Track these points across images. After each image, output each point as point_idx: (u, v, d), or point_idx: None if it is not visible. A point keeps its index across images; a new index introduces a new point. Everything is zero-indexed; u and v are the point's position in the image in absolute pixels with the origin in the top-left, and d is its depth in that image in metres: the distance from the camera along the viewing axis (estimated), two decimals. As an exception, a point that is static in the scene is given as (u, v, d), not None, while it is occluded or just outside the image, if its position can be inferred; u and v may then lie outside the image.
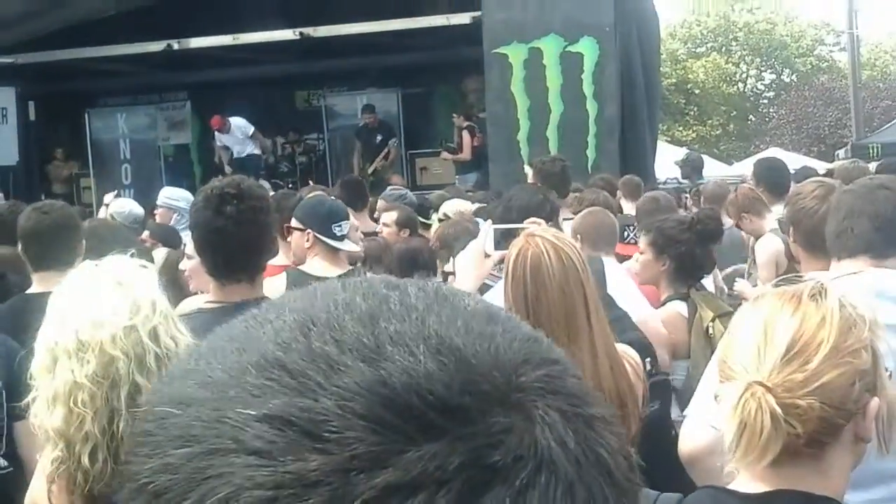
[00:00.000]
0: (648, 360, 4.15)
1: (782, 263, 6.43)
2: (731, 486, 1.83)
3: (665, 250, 5.03)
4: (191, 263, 4.21)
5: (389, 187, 9.26)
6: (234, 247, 3.41)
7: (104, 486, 2.31)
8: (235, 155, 15.89)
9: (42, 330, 2.41)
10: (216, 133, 16.10)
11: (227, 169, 15.24)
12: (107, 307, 2.35)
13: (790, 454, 1.73)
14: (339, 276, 4.26)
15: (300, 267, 4.85)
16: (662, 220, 5.34)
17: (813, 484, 1.78)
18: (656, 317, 4.70)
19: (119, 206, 9.21)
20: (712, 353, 4.46)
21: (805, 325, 1.77)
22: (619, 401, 3.00)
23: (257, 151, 16.09)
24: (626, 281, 4.34)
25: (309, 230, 4.79)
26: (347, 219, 4.99)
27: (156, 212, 9.06)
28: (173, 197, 8.89)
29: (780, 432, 1.68)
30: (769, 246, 6.68)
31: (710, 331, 4.67)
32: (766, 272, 6.56)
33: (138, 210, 9.34)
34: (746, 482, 1.81)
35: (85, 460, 2.30)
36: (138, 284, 2.41)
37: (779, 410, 1.68)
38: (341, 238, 4.84)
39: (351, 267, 4.94)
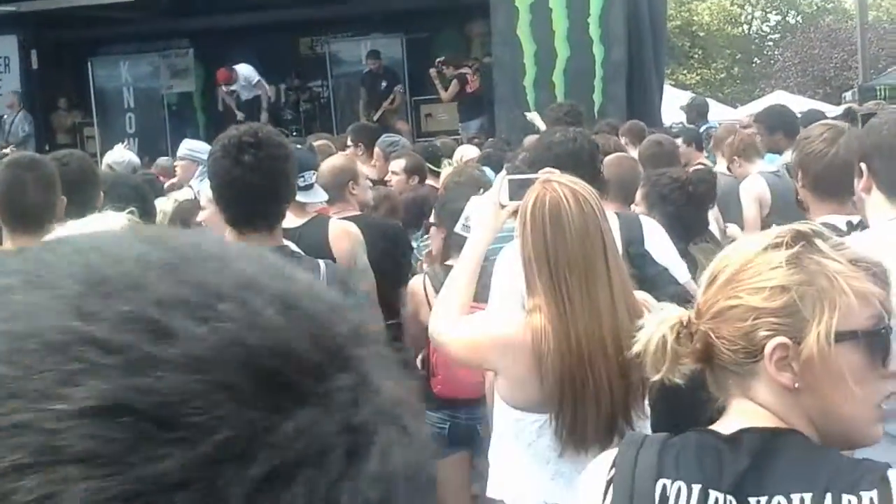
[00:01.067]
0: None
1: (766, 203, 6.73)
2: (714, 426, 1.89)
3: (655, 206, 4.85)
4: (207, 213, 4.20)
5: (384, 135, 9.23)
6: (254, 196, 3.40)
7: None
8: (245, 97, 15.86)
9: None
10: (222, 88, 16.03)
11: (239, 115, 15.21)
12: None
13: (727, 386, 1.87)
14: (297, 227, 4.24)
15: None
16: (659, 175, 5.15)
17: (776, 422, 1.82)
18: (688, 276, 4.43)
19: (118, 155, 9.18)
20: None
21: (732, 258, 1.85)
22: (621, 358, 3.01)
23: (262, 91, 16.04)
24: (664, 238, 4.28)
25: None
26: (312, 169, 4.91)
27: (178, 164, 9.03)
28: (196, 149, 8.84)
29: (668, 353, 1.85)
30: (752, 187, 6.93)
31: None
32: (750, 212, 6.74)
33: (136, 159, 9.33)
34: (727, 422, 1.87)
35: None
36: None
37: (668, 335, 1.85)
38: (305, 189, 4.77)
39: (313, 215, 4.87)
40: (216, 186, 3.52)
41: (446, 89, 15.55)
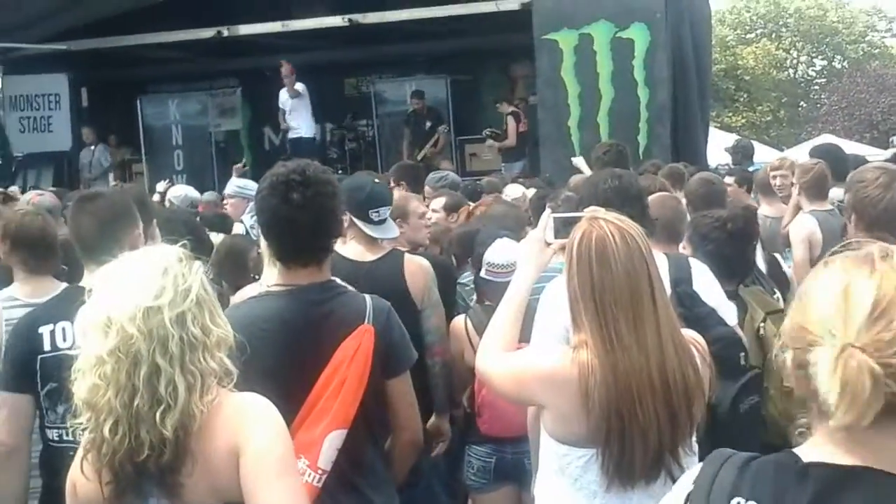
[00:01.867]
0: (742, 354, 4.11)
1: (816, 243, 6.65)
2: (799, 450, 1.82)
3: (697, 247, 4.79)
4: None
5: (432, 172, 9.28)
6: (301, 233, 3.42)
7: (124, 459, 2.40)
8: (291, 130, 15.80)
9: (83, 306, 2.51)
10: (282, 94, 15.92)
11: (284, 124, 15.39)
12: (134, 287, 2.44)
13: (882, 418, 1.70)
14: (373, 261, 4.28)
15: (337, 249, 4.82)
16: (701, 216, 5.09)
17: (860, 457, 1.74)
18: (735, 320, 4.37)
19: (176, 191, 9.39)
20: (765, 355, 4.40)
21: (885, 285, 1.73)
22: (685, 385, 2.99)
23: (310, 135, 15.99)
24: (712, 280, 4.25)
25: (347, 212, 4.77)
26: (388, 204, 4.93)
27: (228, 201, 9.14)
28: (244, 186, 8.98)
29: (879, 391, 1.66)
30: (801, 228, 6.85)
31: (762, 331, 4.54)
32: (798, 253, 6.72)
33: (194, 194, 9.52)
34: (817, 448, 1.79)
35: (106, 431, 2.40)
36: (175, 269, 2.48)
37: (878, 369, 1.66)
38: (379, 223, 4.79)
39: (389, 250, 4.89)
40: (264, 223, 3.54)
41: (506, 132, 15.54)
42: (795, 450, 1.83)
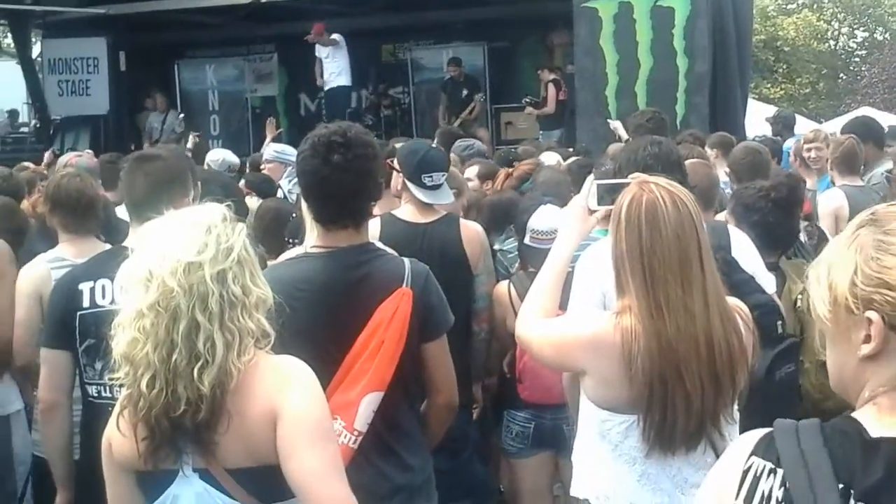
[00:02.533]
0: (780, 322, 4.09)
1: (843, 217, 6.69)
2: (862, 419, 1.75)
3: (741, 218, 4.74)
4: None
5: (458, 140, 9.23)
6: (342, 195, 3.43)
7: (160, 414, 2.41)
8: (326, 79, 15.77)
9: (126, 261, 2.53)
10: (318, 48, 15.83)
11: (319, 80, 15.39)
12: (177, 243, 2.45)
13: None
14: (430, 223, 4.29)
15: (393, 211, 4.86)
16: (744, 188, 5.05)
17: None
18: (773, 287, 4.36)
19: (214, 155, 9.42)
20: (802, 329, 4.36)
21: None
22: (729, 352, 2.98)
23: (347, 83, 15.92)
24: (751, 248, 4.23)
25: (401, 174, 4.78)
26: (443, 170, 4.93)
27: (266, 166, 9.16)
28: (282, 151, 9.01)
29: None
30: (830, 201, 6.93)
31: (798, 303, 4.49)
32: (825, 225, 6.72)
33: (233, 158, 9.54)
34: (885, 418, 1.73)
35: (143, 385, 2.42)
36: (214, 228, 2.49)
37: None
38: (432, 188, 4.80)
39: (444, 213, 4.89)
40: (305, 185, 3.55)
41: (545, 99, 15.45)
42: (857, 416, 1.76)
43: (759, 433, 1.81)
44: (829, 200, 6.91)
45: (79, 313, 3.72)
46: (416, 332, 3.44)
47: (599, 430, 3.09)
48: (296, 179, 7.55)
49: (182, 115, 17.49)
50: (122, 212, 6.18)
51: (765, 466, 1.74)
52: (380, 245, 3.66)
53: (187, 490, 2.48)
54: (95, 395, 3.74)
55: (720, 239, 4.06)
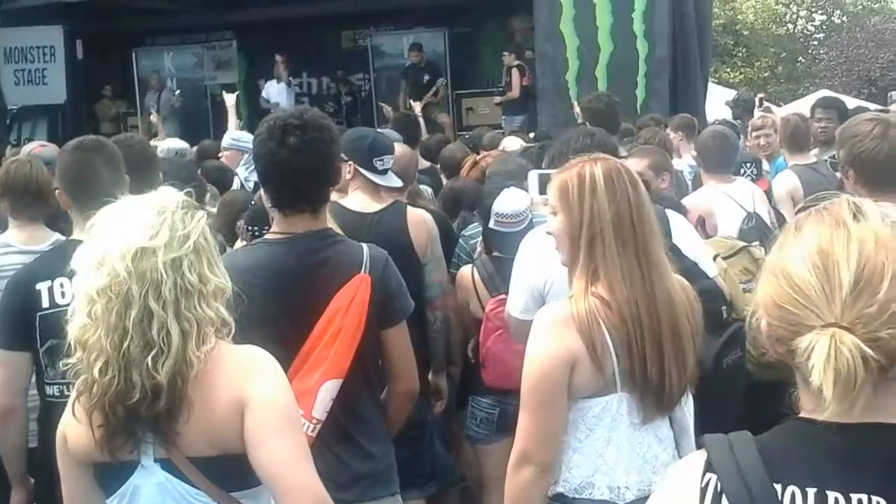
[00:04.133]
0: (724, 307, 4.11)
1: (798, 198, 6.66)
2: (805, 414, 1.74)
3: None
4: None
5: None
6: (298, 178, 3.39)
7: (114, 401, 2.37)
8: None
9: (80, 247, 2.49)
10: (270, 86, 16.31)
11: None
12: (129, 228, 2.41)
13: (874, 385, 1.65)
14: (377, 212, 4.26)
15: (340, 201, 4.80)
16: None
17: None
18: (716, 271, 4.40)
19: (172, 143, 9.32)
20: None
21: (864, 251, 1.67)
22: (688, 324, 3.00)
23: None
24: (689, 229, 4.25)
25: (350, 162, 4.73)
26: (391, 153, 4.90)
27: (223, 154, 9.09)
28: (239, 138, 8.93)
29: (869, 371, 1.62)
30: (784, 183, 6.95)
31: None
32: (785, 209, 6.73)
33: (183, 145, 9.42)
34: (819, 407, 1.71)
35: (95, 372, 2.38)
36: (170, 215, 2.44)
37: (869, 351, 1.61)
38: (383, 172, 4.77)
39: (391, 202, 4.87)
40: (261, 168, 3.52)
41: (509, 84, 15.46)
42: (805, 413, 1.74)
43: (703, 453, 1.78)
44: (783, 183, 6.95)
45: (39, 314, 3.64)
46: (375, 318, 3.42)
47: (573, 422, 3.06)
48: (252, 167, 7.53)
49: (178, 91, 17.38)
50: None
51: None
52: (336, 231, 3.63)
53: (148, 480, 2.45)
54: (57, 394, 3.66)
55: (661, 225, 4.08)
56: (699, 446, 1.82)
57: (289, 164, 3.37)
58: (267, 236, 3.55)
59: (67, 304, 3.49)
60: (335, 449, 3.39)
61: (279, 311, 3.35)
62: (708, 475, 1.74)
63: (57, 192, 3.96)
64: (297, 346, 3.32)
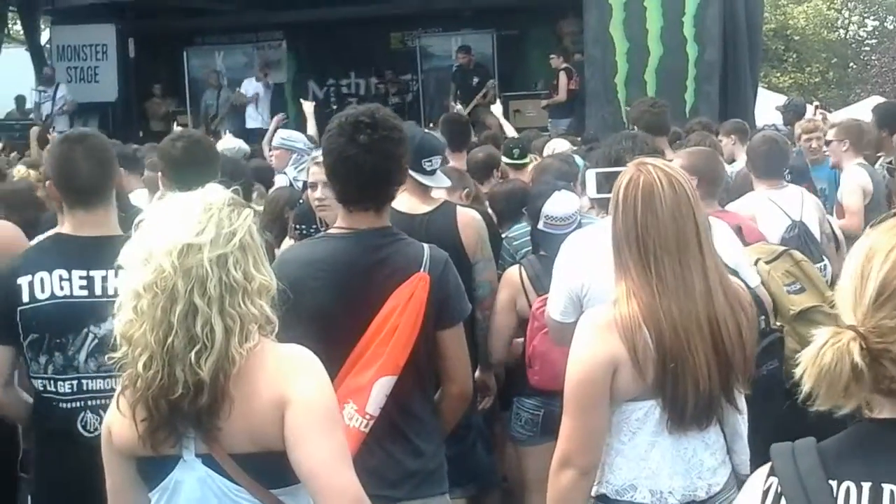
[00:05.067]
0: (763, 317, 4.08)
1: (868, 193, 7.18)
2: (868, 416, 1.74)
3: None
4: (325, 190, 4.23)
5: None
6: (365, 175, 3.40)
7: (157, 395, 2.38)
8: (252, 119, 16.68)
9: (129, 241, 2.49)
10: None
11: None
12: (176, 224, 2.42)
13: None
14: (427, 213, 4.25)
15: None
16: None
17: None
18: (757, 280, 4.42)
19: (227, 142, 9.42)
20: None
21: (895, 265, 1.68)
22: (738, 330, 2.98)
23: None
24: (732, 237, 4.23)
25: None
26: (440, 154, 4.88)
27: (272, 153, 9.14)
28: (290, 138, 8.97)
29: (863, 379, 1.63)
30: (856, 175, 7.30)
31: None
32: (854, 199, 7.15)
33: (245, 147, 9.54)
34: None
35: (139, 366, 2.38)
36: (217, 212, 2.45)
37: (858, 360, 1.62)
38: (431, 173, 4.74)
39: (441, 202, 4.86)
40: (330, 163, 3.51)
41: (556, 87, 15.44)
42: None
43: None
44: (856, 174, 7.16)
45: (19, 308, 3.56)
46: (431, 318, 3.42)
47: (616, 424, 3.06)
48: (302, 166, 7.56)
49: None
50: (135, 198, 6.23)
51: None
52: (398, 230, 3.64)
53: (190, 475, 2.47)
54: (41, 388, 3.60)
55: None
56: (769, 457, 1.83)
57: (357, 161, 3.38)
58: (330, 231, 3.57)
59: (47, 299, 3.52)
60: (387, 445, 3.39)
61: (338, 305, 3.36)
62: (770, 479, 1.76)
63: (46, 183, 3.95)
64: (352, 341, 3.33)
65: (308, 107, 10.76)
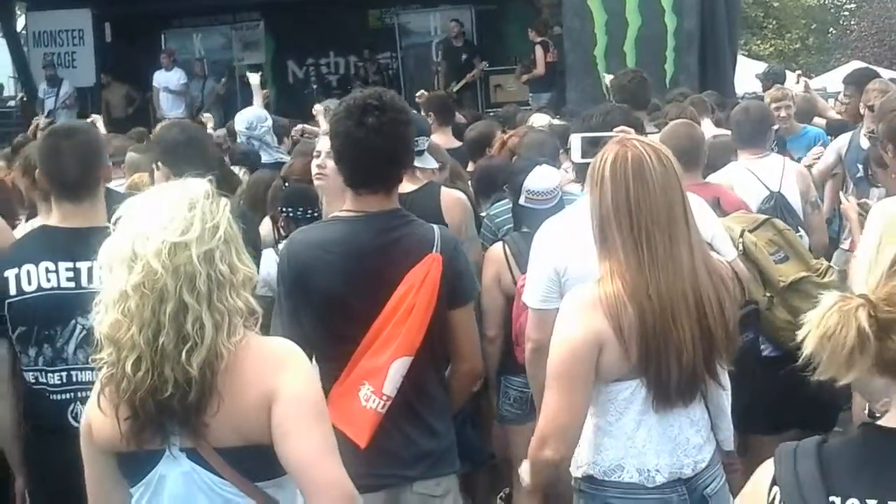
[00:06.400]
0: (736, 289, 4.10)
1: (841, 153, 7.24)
2: (881, 422, 1.72)
3: None
4: (329, 169, 4.21)
5: None
6: (374, 158, 3.42)
7: (145, 396, 2.37)
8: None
9: (107, 239, 2.47)
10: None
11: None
12: (160, 221, 2.40)
13: None
14: (410, 193, 4.26)
15: None
16: None
17: None
18: (734, 253, 4.39)
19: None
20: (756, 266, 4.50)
21: None
22: (720, 305, 2.99)
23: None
24: (706, 209, 4.24)
25: None
26: (427, 135, 4.90)
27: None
28: (255, 133, 8.88)
29: (868, 349, 1.60)
30: (837, 142, 7.42)
31: (740, 246, 4.57)
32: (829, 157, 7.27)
33: (218, 130, 9.46)
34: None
35: (128, 367, 2.37)
36: (199, 206, 2.44)
37: (866, 326, 1.59)
38: (419, 154, 4.76)
39: (425, 182, 4.87)
40: (338, 146, 3.51)
41: (534, 61, 15.38)
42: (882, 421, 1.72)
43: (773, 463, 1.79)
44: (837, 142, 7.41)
45: (7, 301, 3.61)
46: (444, 298, 3.44)
47: (602, 404, 3.07)
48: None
49: (224, 80, 17.44)
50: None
51: None
52: (407, 212, 3.64)
53: (174, 470, 2.47)
54: (33, 381, 3.64)
55: None
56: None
57: (366, 143, 3.39)
58: (339, 213, 3.57)
59: (34, 291, 3.55)
60: (403, 426, 3.42)
61: (350, 287, 3.38)
62: (774, 489, 1.75)
63: (37, 174, 3.95)
64: (364, 323, 3.35)
65: (254, 78, 10.79)
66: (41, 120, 11.47)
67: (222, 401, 2.39)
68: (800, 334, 1.65)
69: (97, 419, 2.50)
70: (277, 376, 2.44)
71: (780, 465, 1.74)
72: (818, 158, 7.44)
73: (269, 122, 9.08)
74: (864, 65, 21.34)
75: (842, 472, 1.67)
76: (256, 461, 2.45)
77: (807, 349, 1.64)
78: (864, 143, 6.94)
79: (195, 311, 2.37)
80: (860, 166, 6.79)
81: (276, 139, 9.14)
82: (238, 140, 9.15)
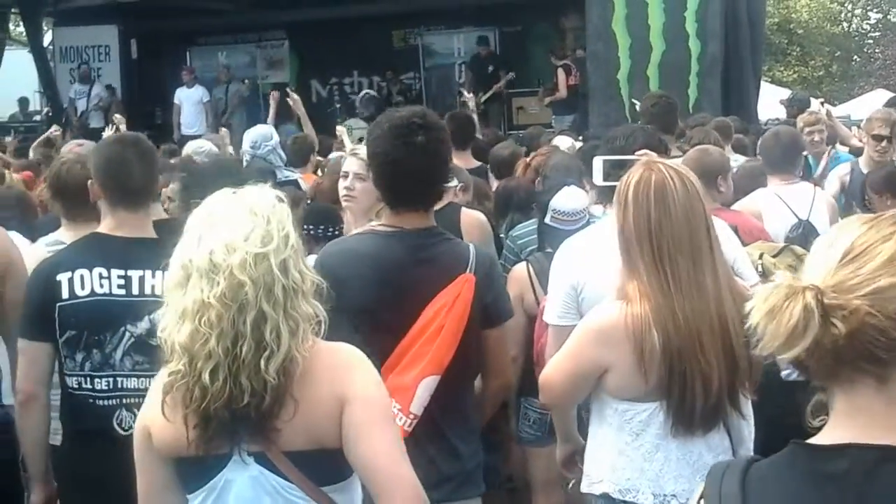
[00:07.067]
0: None
1: (845, 182, 7.34)
2: (816, 440, 1.68)
3: None
4: (362, 186, 4.20)
5: None
6: (416, 177, 3.41)
7: (220, 406, 2.38)
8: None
9: (178, 248, 2.47)
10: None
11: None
12: (240, 233, 2.41)
13: (850, 373, 1.62)
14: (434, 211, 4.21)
15: None
16: None
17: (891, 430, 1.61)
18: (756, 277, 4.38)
19: (196, 146, 9.08)
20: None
21: (869, 235, 1.65)
22: (745, 331, 2.97)
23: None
24: (728, 233, 4.23)
25: None
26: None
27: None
28: (256, 149, 8.88)
29: (812, 325, 1.58)
30: (840, 171, 7.45)
31: (759, 267, 4.50)
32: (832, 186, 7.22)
33: (214, 148, 9.32)
34: (828, 434, 1.67)
35: (205, 377, 2.37)
36: (273, 216, 2.46)
37: (813, 304, 1.58)
38: None
39: (445, 203, 4.84)
40: (378, 165, 3.49)
41: (556, 84, 15.41)
42: (813, 440, 1.69)
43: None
44: (840, 170, 7.44)
45: (58, 304, 3.61)
46: (477, 318, 3.43)
47: (618, 423, 3.06)
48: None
49: (247, 82, 17.50)
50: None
51: None
52: (443, 230, 3.63)
53: (242, 474, 2.47)
54: (75, 386, 3.64)
55: None
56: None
57: (411, 163, 3.37)
58: (376, 227, 3.56)
59: (87, 296, 3.57)
60: (427, 448, 3.36)
61: (382, 302, 3.37)
62: (701, 502, 1.74)
63: (89, 182, 3.99)
64: (394, 339, 3.34)
65: (276, 96, 11.34)
66: (58, 131, 11.57)
67: (297, 407, 2.41)
68: (747, 306, 1.66)
69: (157, 424, 2.50)
70: (348, 380, 2.48)
71: (708, 482, 1.74)
72: None
73: (275, 141, 9.04)
74: (888, 93, 21.27)
75: (765, 491, 1.66)
76: (323, 465, 2.47)
77: (751, 320, 1.65)
78: (866, 171, 6.98)
79: (273, 320, 2.39)
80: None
81: (282, 158, 9.09)
82: (244, 159, 9.11)
